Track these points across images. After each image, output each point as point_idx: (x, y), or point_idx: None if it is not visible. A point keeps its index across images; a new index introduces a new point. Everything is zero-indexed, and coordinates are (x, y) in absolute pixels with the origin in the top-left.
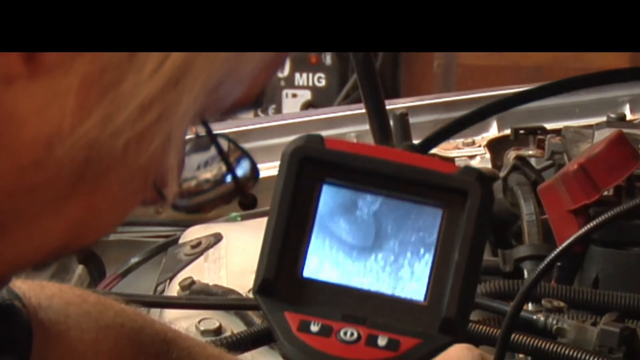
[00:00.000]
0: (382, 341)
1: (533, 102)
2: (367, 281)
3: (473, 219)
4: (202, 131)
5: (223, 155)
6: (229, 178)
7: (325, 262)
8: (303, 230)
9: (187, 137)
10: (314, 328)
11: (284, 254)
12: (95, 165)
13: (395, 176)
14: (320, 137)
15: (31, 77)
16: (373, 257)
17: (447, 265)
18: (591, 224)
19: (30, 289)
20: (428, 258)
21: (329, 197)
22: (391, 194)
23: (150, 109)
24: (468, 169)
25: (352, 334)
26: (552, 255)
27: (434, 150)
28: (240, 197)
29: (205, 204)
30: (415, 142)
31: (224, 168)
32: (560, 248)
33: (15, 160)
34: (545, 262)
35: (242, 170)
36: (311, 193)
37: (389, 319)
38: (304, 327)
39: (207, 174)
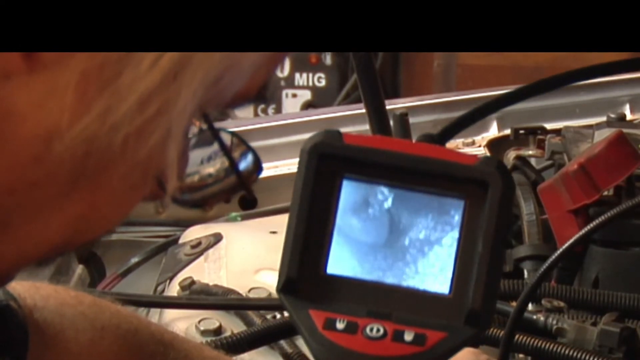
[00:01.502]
0: (408, 336)
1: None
2: (391, 275)
3: (495, 210)
4: (206, 125)
5: (225, 150)
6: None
7: (348, 257)
8: (325, 227)
9: (191, 131)
10: (340, 325)
11: (306, 252)
12: (95, 160)
13: (415, 169)
14: (339, 133)
15: (30, 73)
16: (396, 251)
17: (470, 256)
18: (593, 224)
19: (25, 290)
20: (451, 250)
21: (349, 192)
22: (412, 187)
23: (149, 103)
24: (488, 159)
25: (378, 330)
26: (554, 257)
27: None
28: (243, 192)
29: (208, 199)
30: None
31: (226, 162)
32: (562, 250)
33: (14, 157)
34: (547, 263)
35: (244, 164)
36: (331, 189)
37: (414, 313)
38: (330, 325)
39: (210, 169)
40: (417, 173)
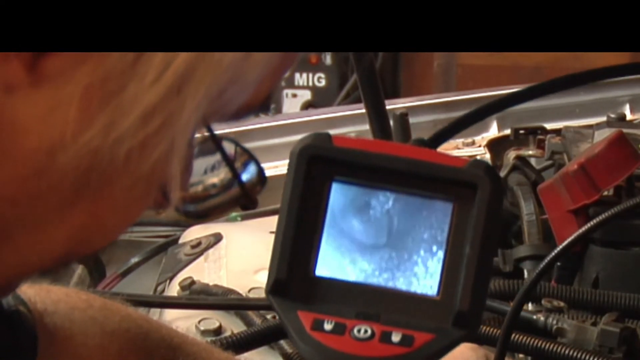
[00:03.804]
0: (396, 337)
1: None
2: (379, 278)
3: (483, 212)
4: (210, 134)
5: (228, 162)
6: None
7: (338, 260)
8: (314, 229)
9: (195, 141)
10: (328, 326)
11: (295, 254)
12: (98, 173)
13: (404, 172)
14: (328, 135)
15: (33, 86)
16: (385, 253)
17: (459, 259)
18: (591, 223)
19: (36, 294)
20: (440, 252)
21: (338, 194)
22: (401, 190)
23: (153, 116)
24: (477, 162)
25: (365, 331)
26: (552, 255)
27: None
28: (248, 202)
29: (212, 209)
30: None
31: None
32: (560, 248)
33: (17, 169)
34: (545, 262)
35: (248, 174)
36: (321, 191)
37: (402, 315)
38: (318, 326)
39: (214, 179)
40: (406, 175)
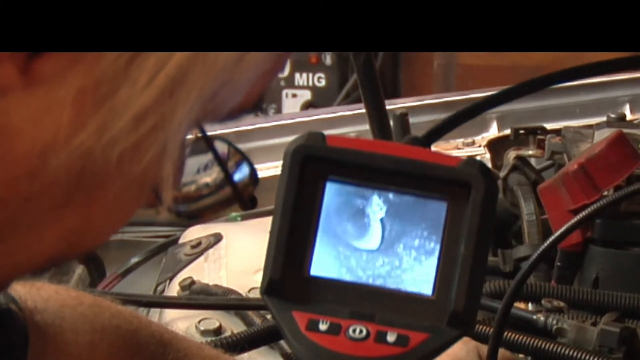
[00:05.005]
0: (391, 337)
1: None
2: (374, 277)
3: (477, 211)
4: (202, 135)
5: (220, 162)
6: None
7: (332, 259)
8: (308, 229)
9: (187, 141)
10: (323, 327)
11: (290, 254)
12: (91, 176)
13: (398, 171)
14: (322, 135)
15: (26, 89)
16: (379, 253)
17: (453, 258)
18: (580, 215)
19: (26, 291)
20: (434, 252)
21: (332, 194)
22: (395, 189)
23: (145, 119)
24: (470, 161)
25: (361, 331)
26: (544, 246)
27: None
28: (240, 202)
29: (204, 210)
30: None
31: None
32: (550, 240)
33: (9, 171)
34: (538, 252)
35: (241, 174)
36: (315, 191)
37: (397, 315)
38: (313, 326)
39: (207, 178)
40: (400, 175)
